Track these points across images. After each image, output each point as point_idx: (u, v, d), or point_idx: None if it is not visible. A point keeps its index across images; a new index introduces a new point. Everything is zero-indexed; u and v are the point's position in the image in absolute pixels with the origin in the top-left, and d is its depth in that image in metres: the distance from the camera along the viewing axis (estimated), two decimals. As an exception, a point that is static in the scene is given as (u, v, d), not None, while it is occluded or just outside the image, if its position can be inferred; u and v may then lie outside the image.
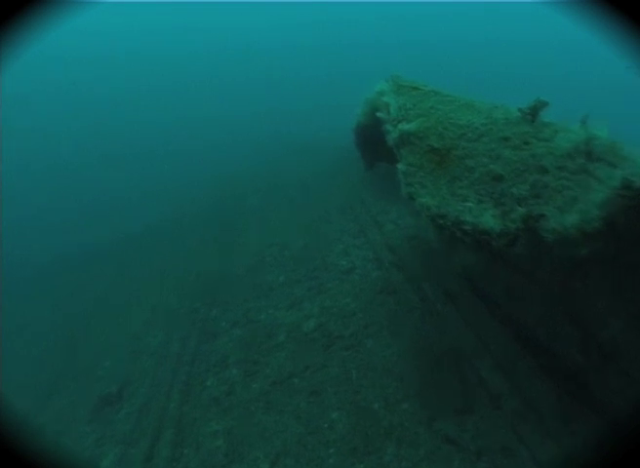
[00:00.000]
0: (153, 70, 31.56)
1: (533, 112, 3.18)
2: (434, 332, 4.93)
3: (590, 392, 3.73)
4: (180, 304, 8.78)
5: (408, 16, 34.63)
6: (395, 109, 3.83)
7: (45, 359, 9.68)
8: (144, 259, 12.07)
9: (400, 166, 3.54)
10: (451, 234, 3.06)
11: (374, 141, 5.11)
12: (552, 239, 2.38)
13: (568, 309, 3.53)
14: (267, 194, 12.53)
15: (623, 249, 2.30)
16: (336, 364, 5.16)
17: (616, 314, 2.75)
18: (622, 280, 2.54)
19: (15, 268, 13.31)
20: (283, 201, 11.50)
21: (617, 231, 2.20)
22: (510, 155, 3.00)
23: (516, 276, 3.61)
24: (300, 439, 4.46)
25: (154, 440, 5.53)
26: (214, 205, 13.51)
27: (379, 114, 4.31)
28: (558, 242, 2.36)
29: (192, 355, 6.84)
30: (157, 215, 14.43)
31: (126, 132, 22.01)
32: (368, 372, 4.83)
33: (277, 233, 9.67)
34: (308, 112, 19.77)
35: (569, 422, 3.59)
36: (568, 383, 3.86)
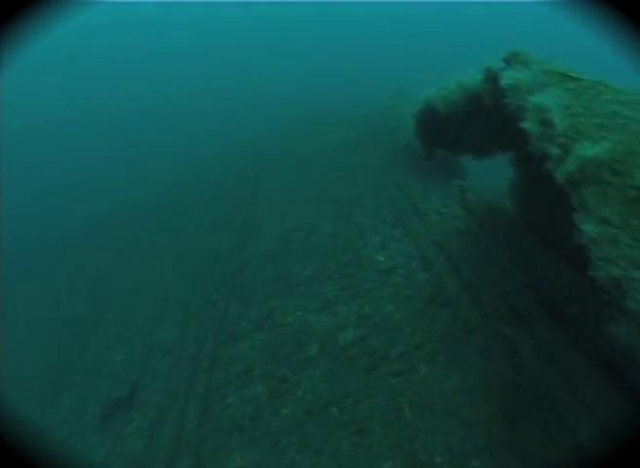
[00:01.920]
0: (178, 41, 30.26)
1: None
2: (504, 363, 4.06)
3: None
4: (195, 294, 8.01)
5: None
6: (561, 118, 2.55)
7: (55, 346, 9.08)
8: (157, 238, 11.31)
9: (586, 226, 2.19)
10: None
11: (446, 130, 4.04)
12: None
13: None
14: (289, 169, 11.55)
15: None
16: (383, 394, 4.34)
17: None
18: None
19: (19, 242, 12.72)
20: (307, 177, 10.53)
21: None
22: None
23: None
24: (345, 496, 3.71)
25: None
26: (231, 179, 12.57)
27: (525, 125, 2.83)
28: None
29: (210, 360, 6.09)
30: (172, 190, 13.62)
31: (142, 101, 21.07)
32: (425, 412, 4.00)
33: (301, 215, 8.75)
34: (336, 82, 18.53)
35: None
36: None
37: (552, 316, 4.26)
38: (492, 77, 3.56)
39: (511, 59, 3.27)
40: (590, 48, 16.31)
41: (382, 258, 6.20)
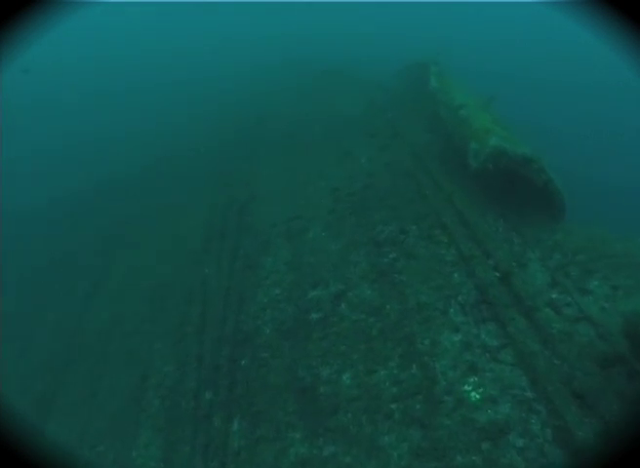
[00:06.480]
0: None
1: None
2: None
3: None
4: (182, 377, 5.76)
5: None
6: None
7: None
8: (127, 252, 8.87)
9: None
10: None
11: None
12: None
13: None
14: (287, 157, 8.84)
15: None
16: None
17: None
18: None
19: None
20: (314, 173, 7.90)
21: None
22: None
23: None
24: None
25: None
26: (222, 158, 9.92)
27: None
28: None
29: None
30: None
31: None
32: None
33: (317, 249, 6.27)
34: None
35: None
36: None
37: None
38: None
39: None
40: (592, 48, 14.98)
41: (476, 395, 3.86)
